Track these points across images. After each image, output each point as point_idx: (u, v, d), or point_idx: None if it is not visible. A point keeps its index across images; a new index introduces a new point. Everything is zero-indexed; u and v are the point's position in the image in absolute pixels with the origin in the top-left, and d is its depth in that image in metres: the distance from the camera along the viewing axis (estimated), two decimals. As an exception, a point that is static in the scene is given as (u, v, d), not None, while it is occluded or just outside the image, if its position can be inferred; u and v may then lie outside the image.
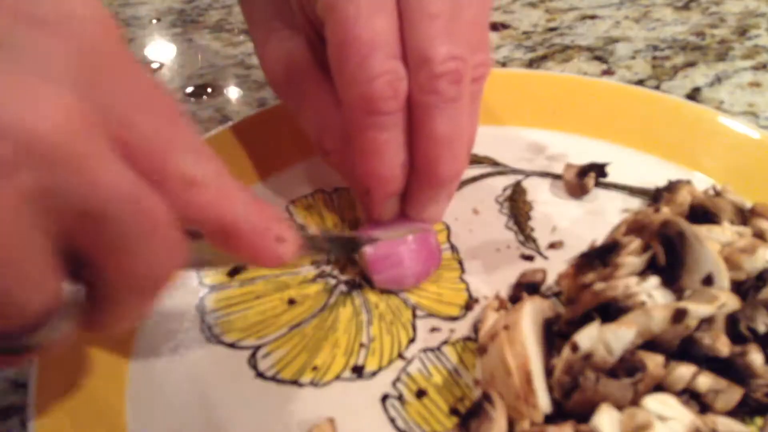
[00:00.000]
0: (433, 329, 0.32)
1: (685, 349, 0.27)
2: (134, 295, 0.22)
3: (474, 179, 0.41)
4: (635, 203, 0.39)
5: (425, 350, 0.31)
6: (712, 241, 0.29)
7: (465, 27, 0.30)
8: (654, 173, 0.40)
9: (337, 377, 0.30)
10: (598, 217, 0.38)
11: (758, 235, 0.31)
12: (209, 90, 0.55)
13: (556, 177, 0.41)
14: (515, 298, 0.33)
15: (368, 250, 0.33)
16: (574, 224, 0.38)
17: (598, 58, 0.57)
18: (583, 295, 0.28)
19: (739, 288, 0.28)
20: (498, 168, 0.42)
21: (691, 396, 0.26)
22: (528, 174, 0.41)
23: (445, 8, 0.29)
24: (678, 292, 0.28)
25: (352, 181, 0.34)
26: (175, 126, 0.22)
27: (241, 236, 0.24)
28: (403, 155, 0.31)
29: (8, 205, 0.17)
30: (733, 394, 0.26)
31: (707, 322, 0.27)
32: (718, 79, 0.53)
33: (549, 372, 0.26)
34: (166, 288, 0.22)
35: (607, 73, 0.55)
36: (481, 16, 0.32)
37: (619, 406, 0.25)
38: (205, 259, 0.27)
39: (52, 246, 0.19)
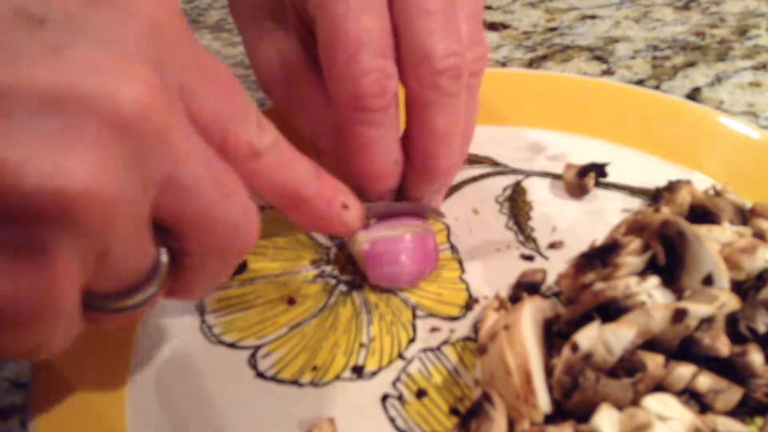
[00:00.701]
0: (433, 329, 0.32)
1: (685, 349, 0.27)
2: (216, 260, 0.23)
3: (474, 179, 0.41)
4: (635, 203, 0.39)
5: (425, 350, 0.31)
6: (712, 241, 0.29)
7: (461, 23, 0.30)
8: (654, 173, 0.40)
9: (337, 377, 0.30)
10: (598, 217, 0.38)
11: (758, 235, 0.31)
12: (209, 90, 0.55)
13: (556, 177, 0.41)
14: (515, 298, 0.33)
15: (365, 245, 0.33)
16: (574, 224, 0.38)
17: (598, 58, 0.57)
18: (583, 295, 0.28)
19: (739, 288, 0.28)
20: (498, 168, 0.42)
21: (691, 396, 0.26)
22: (528, 174, 0.41)
23: (440, 5, 0.30)
24: (678, 292, 0.28)
25: (347, 179, 0.35)
26: (237, 96, 0.23)
27: (308, 203, 0.25)
28: (395, 152, 0.31)
29: (114, 174, 0.18)
30: (733, 394, 0.26)
31: (707, 322, 0.27)
32: (718, 79, 0.53)
33: (549, 372, 0.26)
34: (245, 253, 0.24)
35: (607, 73, 0.55)
36: (476, 11, 0.32)
37: (619, 406, 0.25)
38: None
39: (148, 213, 0.20)
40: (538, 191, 0.40)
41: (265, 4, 0.35)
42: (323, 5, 0.29)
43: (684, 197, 0.34)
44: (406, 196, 0.34)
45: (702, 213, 0.33)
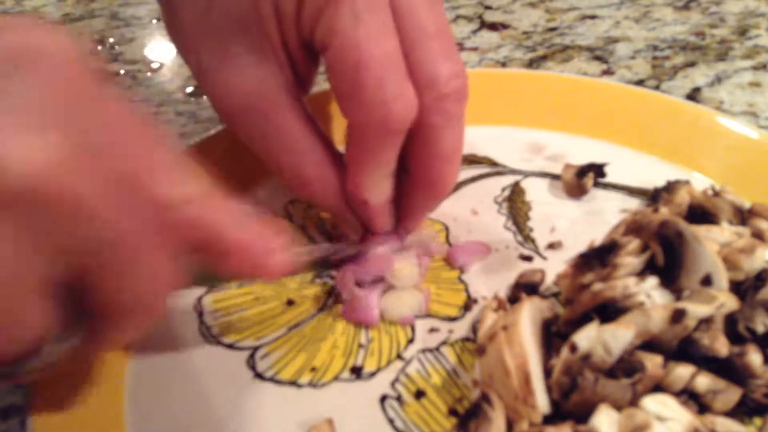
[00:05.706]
0: (432, 330, 0.32)
1: (684, 350, 0.27)
2: (130, 317, 0.23)
3: (473, 179, 0.41)
4: (634, 203, 0.39)
5: (424, 351, 0.31)
6: (711, 242, 0.29)
7: (452, 43, 0.31)
8: (653, 173, 0.40)
9: (336, 378, 0.30)
10: (597, 218, 0.38)
11: (757, 235, 0.31)
12: (209, 90, 0.55)
13: (555, 177, 0.41)
14: (514, 298, 0.33)
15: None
16: (573, 224, 0.38)
17: (598, 58, 0.57)
18: (581, 296, 0.28)
19: (737, 288, 0.28)
20: (497, 168, 0.42)
21: (690, 396, 0.26)
22: (527, 174, 0.41)
23: (438, 27, 0.30)
24: (677, 292, 0.28)
25: (335, 205, 0.33)
26: (154, 152, 0.23)
27: (232, 251, 0.24)
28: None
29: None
30: (732, 395, 0.26)
31: (706, 322, 0.27)
32: (718, 79, 0.53)
33: (548, 372, 0.26)
34: (162, 308, 0.23)
35: (607, 73, 0.55)
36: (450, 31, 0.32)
37: (618, 407, 0.25)
38: (210, 277, 0.29)
39: (42, 277, 0.19)
40: (536, 191, 0.40)
41: (232, 25, 0.30)
42: (340, 31, 0.28)
43: (683, 197, 0.34)
44: (409, 214, 0.34)
45: (701, 213, 0.33)
